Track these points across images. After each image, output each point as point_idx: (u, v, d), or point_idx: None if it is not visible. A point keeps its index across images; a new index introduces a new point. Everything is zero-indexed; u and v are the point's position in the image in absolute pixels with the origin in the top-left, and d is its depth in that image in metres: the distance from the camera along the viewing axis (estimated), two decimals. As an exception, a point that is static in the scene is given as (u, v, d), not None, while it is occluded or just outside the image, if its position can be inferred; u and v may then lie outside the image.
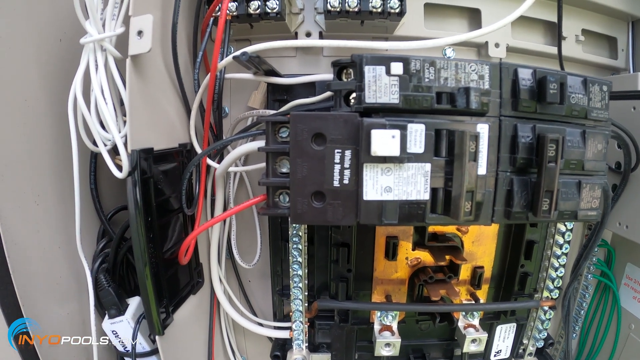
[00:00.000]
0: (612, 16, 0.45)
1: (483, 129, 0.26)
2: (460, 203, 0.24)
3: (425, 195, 0.25)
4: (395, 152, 0.24)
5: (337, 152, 0.25)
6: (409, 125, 0.25)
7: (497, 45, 0.41)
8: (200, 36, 0.35)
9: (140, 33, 0.28)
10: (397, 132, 0.24)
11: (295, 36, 0.39)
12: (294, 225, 0.34)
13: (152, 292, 0.32)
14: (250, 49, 0.28)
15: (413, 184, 0.25)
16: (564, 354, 0.47)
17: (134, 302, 0.37)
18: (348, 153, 0.25)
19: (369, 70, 0.24)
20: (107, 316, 0.36)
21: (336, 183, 0.25)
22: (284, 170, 0.27)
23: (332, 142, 0.25)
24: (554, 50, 0.41)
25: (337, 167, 0.25)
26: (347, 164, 0.25)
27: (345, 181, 0.25)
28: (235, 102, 0.40)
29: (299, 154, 0.25)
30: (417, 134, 0.25)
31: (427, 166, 0.25)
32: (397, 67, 0.24)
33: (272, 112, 0.35)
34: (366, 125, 0.24)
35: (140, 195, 0.30)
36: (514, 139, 0.27)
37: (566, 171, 0.28)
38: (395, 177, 0.25)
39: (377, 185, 0.25)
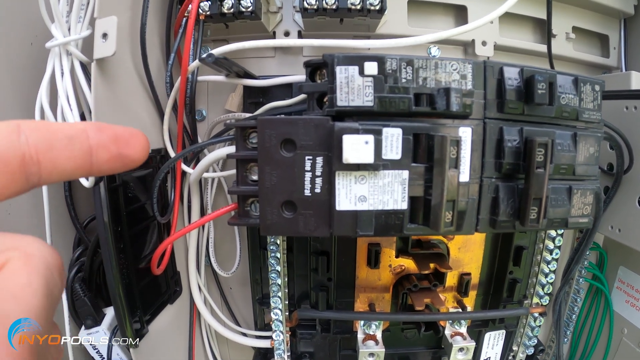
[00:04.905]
0: (603, 13, 0.44)
1: (465, 132, 0.25)
2: (441, 213, 0.23)
3: (403, 205, 0.24)
4: (369, 159, 0.22)
5: (308, 159, 0.23)
6: (384, 130, 0.23)
7: (484, 43, 0.39)
8: (174, 37, 0.34)
9: (105, 36, 0.27)
10: (370, 138, 0.22)
11: (274, 35, 0.37)
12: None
13: (123, 303, 0.30)
14: (217, 51, 0.26)
15: (389, 192, 0.24)
16: (555, 359, 0.46)
17: (110, 312, 0.36)
18: (319, 160, 0.23)
19: (340, 71, 0.23)
20: (83, 326, 0.35)
21: (307, 192, 0.24)
22: (255, 177, 0.25)
23: (302, 149, 0.23)
24: (543, 48, 0.39)
25: (307, 175, 0.23)
26: (318, 172, 0.23)
27: (317, 190, 0.24)
28: (213, 104, 0.38)
29: (267, 161, 0.23)
30: (393, 139, 0.23)
31: (405, 173, 0.24)
32: (371, 67, 0.23)
33: (249, 115, 0.34)
34: (337, 130, 0.22)
35: (108, 204, 0.28)
36: (499, 142, 0.25)
37: (556, 176, 0.26)
38: (370, 185, 0.23)
39: (351, 195, 0.23)
